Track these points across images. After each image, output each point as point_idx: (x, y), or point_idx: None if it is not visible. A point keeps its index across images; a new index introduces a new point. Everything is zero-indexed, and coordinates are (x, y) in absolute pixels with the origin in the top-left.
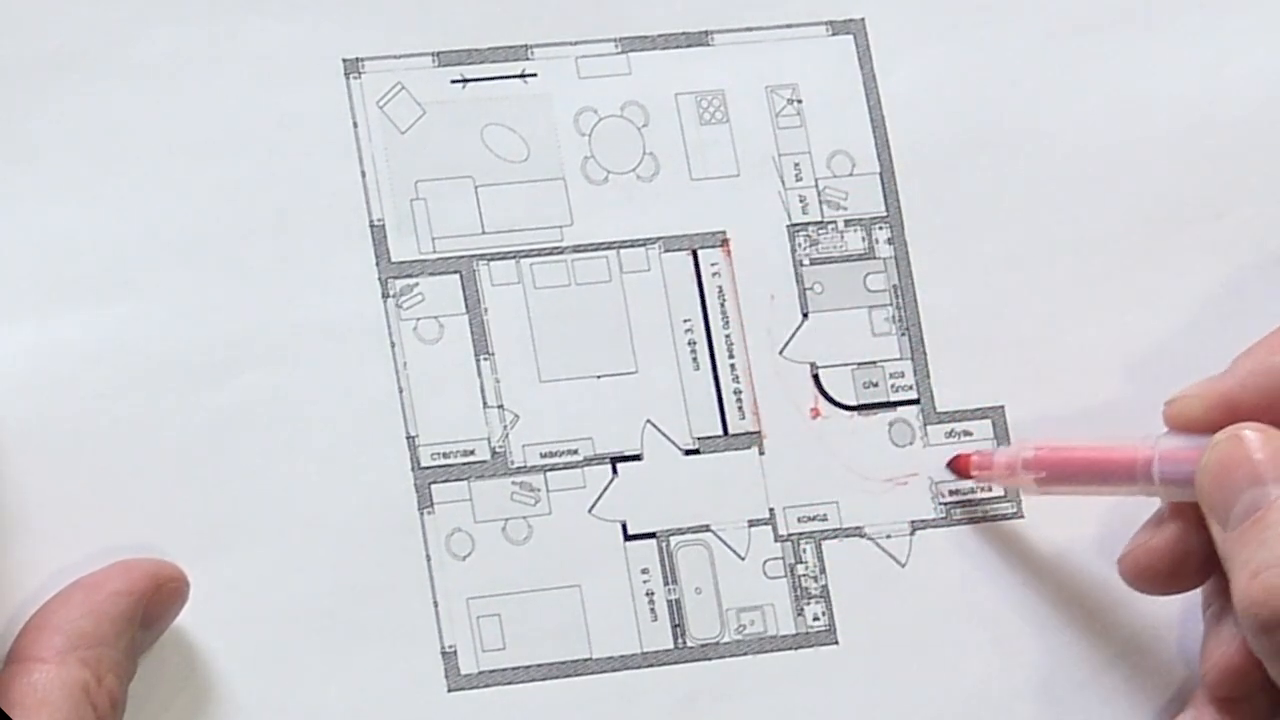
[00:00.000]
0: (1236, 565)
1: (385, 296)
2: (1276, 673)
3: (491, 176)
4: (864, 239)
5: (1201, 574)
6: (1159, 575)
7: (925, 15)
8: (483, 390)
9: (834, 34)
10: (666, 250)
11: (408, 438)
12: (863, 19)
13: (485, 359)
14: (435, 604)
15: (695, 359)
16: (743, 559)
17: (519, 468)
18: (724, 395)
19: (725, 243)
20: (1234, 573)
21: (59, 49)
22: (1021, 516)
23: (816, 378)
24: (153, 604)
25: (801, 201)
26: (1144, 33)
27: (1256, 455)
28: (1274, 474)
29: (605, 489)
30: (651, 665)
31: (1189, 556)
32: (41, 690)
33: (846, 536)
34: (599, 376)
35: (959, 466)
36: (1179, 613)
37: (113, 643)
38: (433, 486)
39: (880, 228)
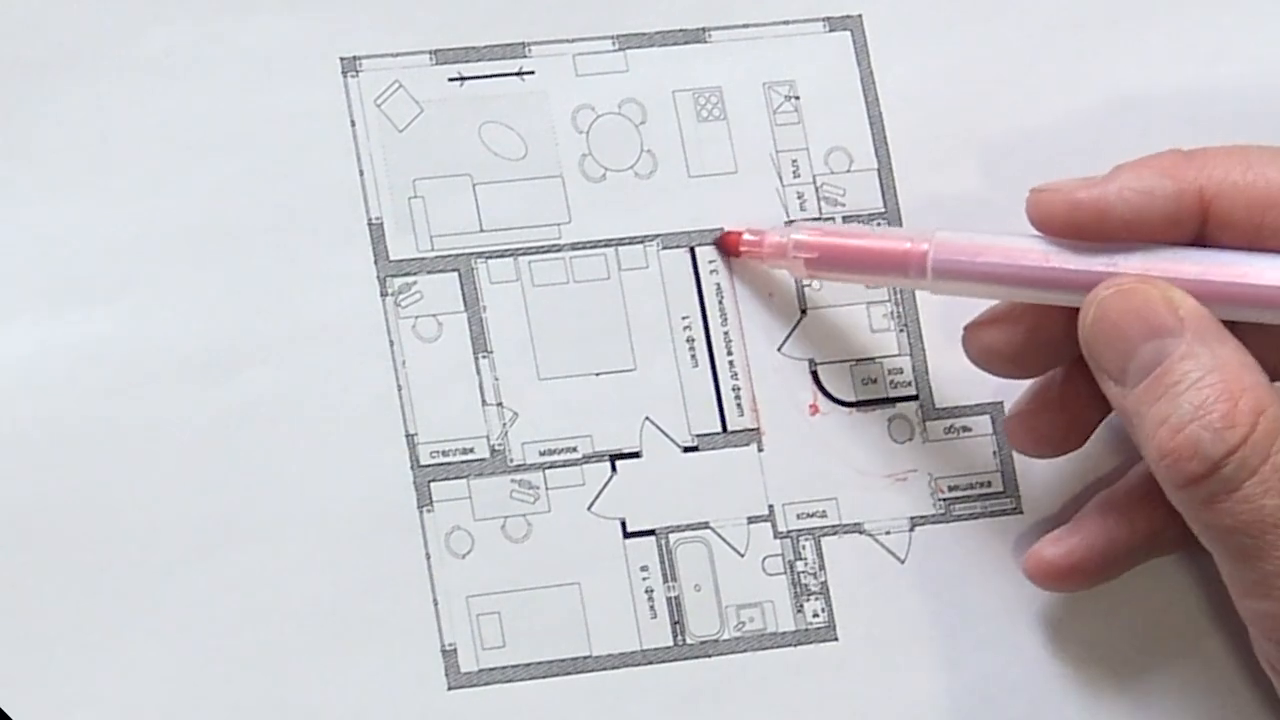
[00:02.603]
0: (1148, 421)
1: (384, 295)
2: (1196, 526)
3: (489, 174)
4: None
5: (1041, 364)
6: (1002, 361)
7: (922, 11)
8: (482, 388)
9: (831, 30)
10: (665, 247)
11: (407, 436)
12: (860, 15)
13: (484, 357)
14: (435, 602)
15: (694, 356)
16: (742, 556)
17: (518, 465)
18: (723, 392)
19: None
20: (1144, 429)
21: (57, 48)
22: (1020, 512)
23: (815, 374)
24: None
25: (799, 198)
26: (1140, 29)
27: (1155, 307)
28: (1170, 325)
29: (604, 486)
30: (651, 663)
31: (1032, 351)
32: None
33: (846, 533)
34: (598, 374)
35: (728, 244)
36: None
37: None
38: (432, 484)
39: (878, 224)
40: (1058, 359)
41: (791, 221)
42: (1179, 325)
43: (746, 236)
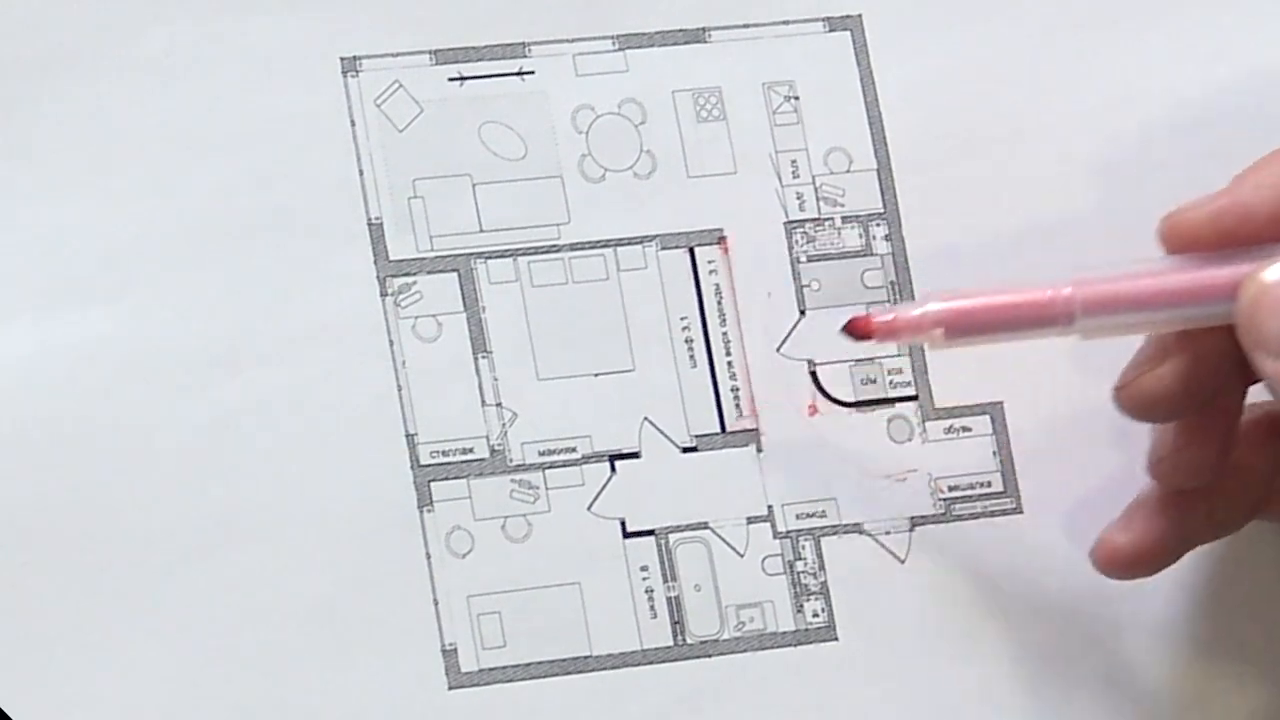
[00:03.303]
0: None
1: (383, 295)
2: None
3: (489, 174)
4: (861, 236)
5: (1203, 402)
6: (1161, 405)
7: (922, 11)
8: (481, 388)
9: (831, 30)
10: (664, 248)
11: (407, 436)
12: (860, 15)
13: (483, 357)
14: (435, 602)
15: (693, 356)
16: (742, 556)
17: (518, 465)
18: (721, 392)
19: (722, 240)
20: None
21: (57, 48)
22: (1021, 512)
23: (814, 375)
24: None
25: (799, 198)
26: (1141, 28)
27: None
28: None
29: (604, 487)
30: (651, 662)
31: (1192, 386)
32: None
33: (845, 533)
34: (597, 374)
35: (858, 329)
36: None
37: None
38: (432, 484)
39: (877, 224)
40: (1220, 386)
41: (920, 296)
42: None
43: (878, 320)
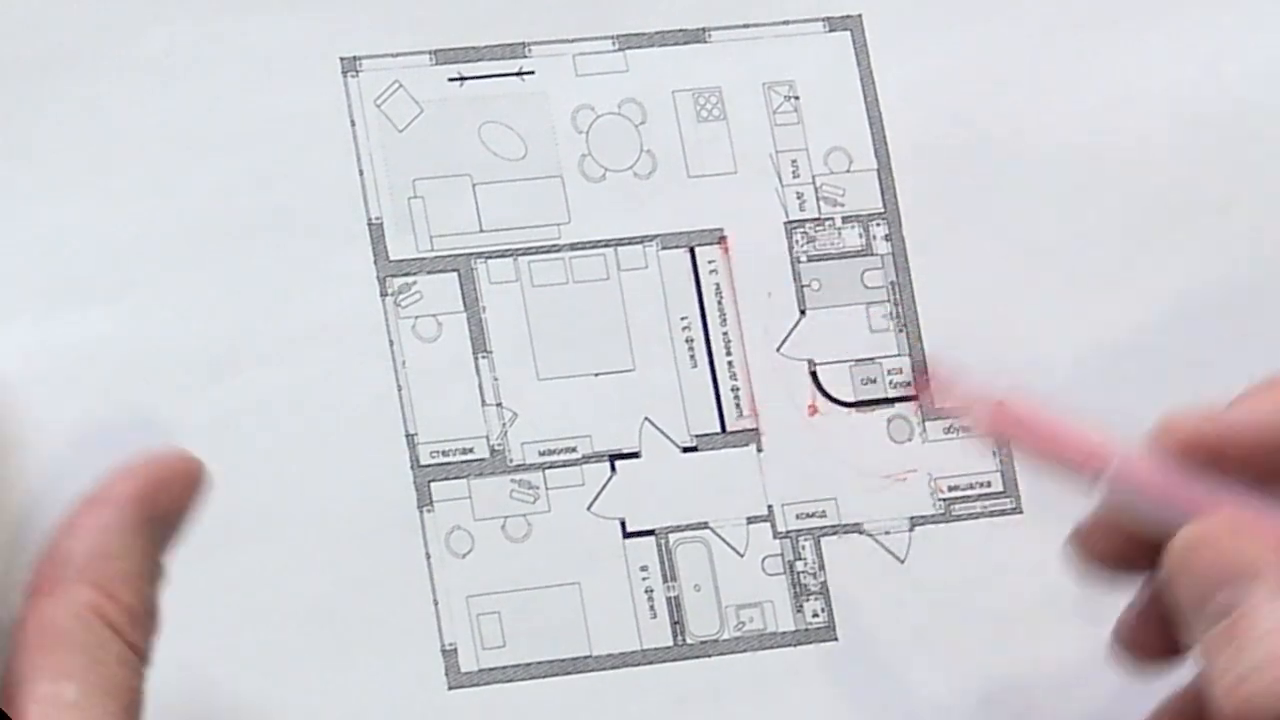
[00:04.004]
0: (1215, 668)
1: (383, 295)
2: None
3: (489, 174)
4: (861, 236)
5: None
6: (1157, 655)
7: (923, 11)
8: (481, 388)
9: (831, 30)
10: (664, 248)
11: (406, 436)
12: (860, 15)
13: (484, 357)
14: (435, 602)
15: (693, 356)
16: (741, 556)
17: (518, 465)
18: (722, 392)
19: (723, 240)
20: (1212, 674)
21: (56, 48)
22: (1021, 512)
23: (814, 374)
24: (161, 502)
25: (799, 198)
26: (1142, 27)
27: (1230, 548)
28: (1249, 570)
29: (604, 487)
30: (651, 662)
31: (1143, 554)
32: (50, 622)
33: (845, 533)
34: (597, 374)
35: (919, 383)
36: None
37: (122, 555)
38: (432, 484)
39: (878, 224)
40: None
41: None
42: (1260, 568)
43: (935, 384)
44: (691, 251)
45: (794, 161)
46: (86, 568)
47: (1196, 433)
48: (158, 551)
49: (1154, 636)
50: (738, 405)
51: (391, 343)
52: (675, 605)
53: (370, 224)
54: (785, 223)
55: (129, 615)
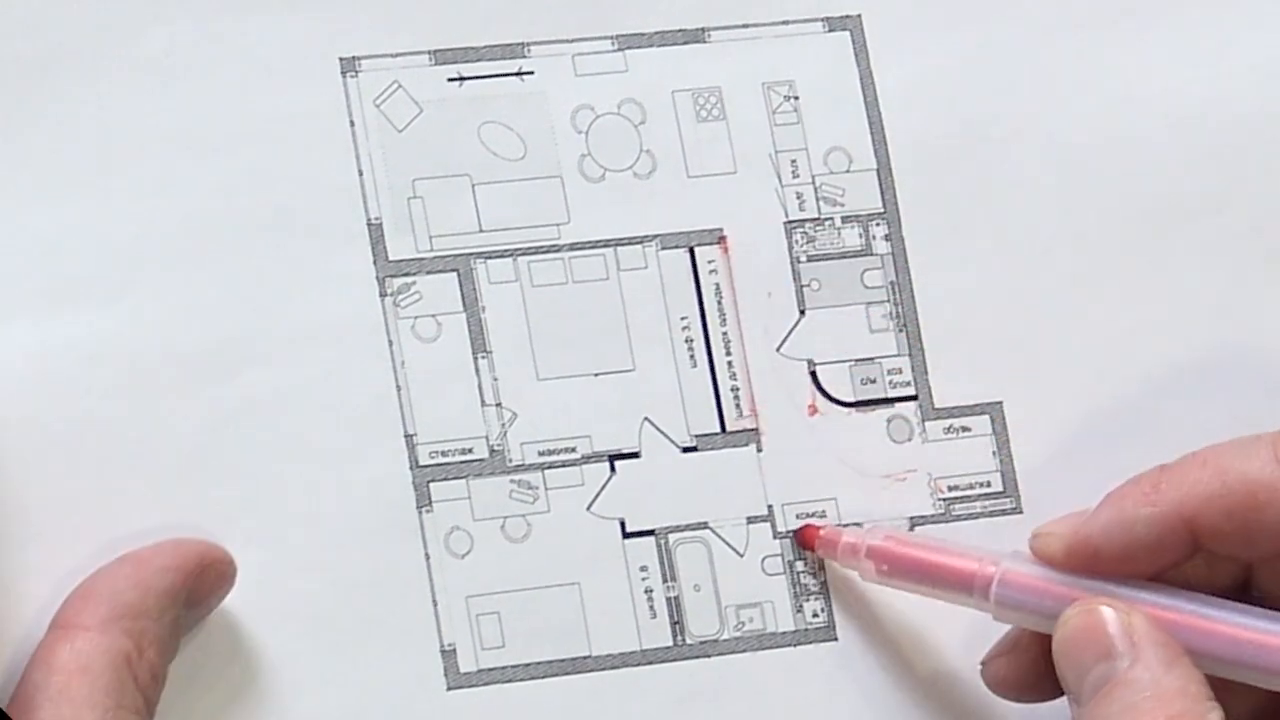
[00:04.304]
0: None
1: (383, 295)
2: None
3: (489, 175)
4: (861, 235)
5: (1059, 690)
6: (1019, 690)
7: (922, 11)
8: (481, 388)
9: (830, 30)
10: (664, 248)
11: (406, 436)
12: (859, 15)
13: (483, 357)
14: (434, 602)
15: (693, 356)
16: (741, 556)
17: (517, 466)
18: (721, 392)
19: (722, 240)
20: None
21: (56, 48)
22: (1020, 512)
23: (814, 374)
24: (199, 583)
25: (798, 198)
26: (1142, 27)
27: (1108, 630)
28: (1123, 648)
29: (603, 487)
30: (651, 663)
31: (1045, 677)
32: (84, 657)
33: None
34: (596, 374)
35: (804, 539)
36: None
37: (157, 616)
38: (431, 485)
39: (877, 224)
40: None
41: (868, 526)
42: (1129, 649)
43: (822, 533)
44: (691, 251)
45: (794, 161)
46: (126, 618)
47: (1066, 541)
48: (182, 628)
49: (1021, 677)
50: (737, 405)
51: (391, 343)
52: (675, 605)
53: (370, 224)
54: (785, 223)
55: (151, 673)
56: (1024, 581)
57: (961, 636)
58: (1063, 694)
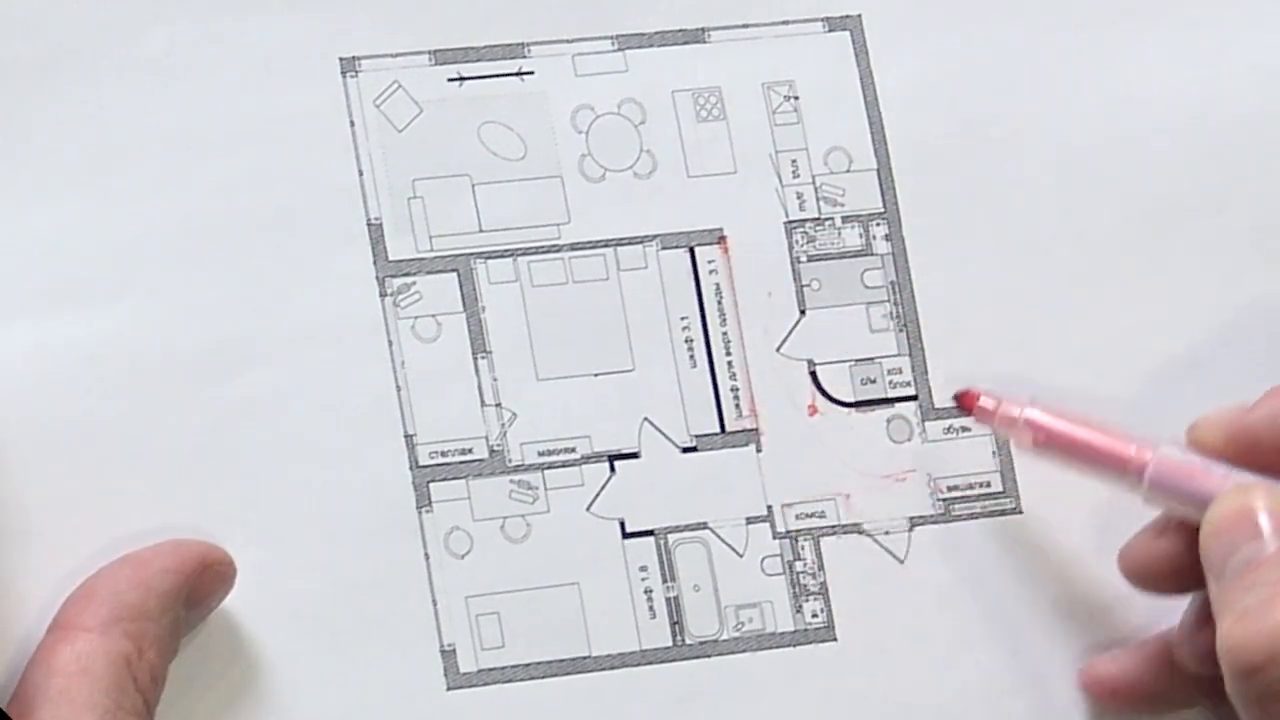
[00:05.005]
0: (1223, 612)
1: (383, 295)
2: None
3: (489, 175)
4: (861, 235)
5: (1193, 585)
6: (1156, 577)
7: (922, 11)
8: (480, 389)
9: (831, 30)
10: (664, 248)
11: (406, 436)
12: (859, 15)
13: (483, 357)
14: (434, 602)
15: (693, 356)
16: (741, 556)
17: (517, 466)
18: (721, 392)
19: (722, 240)
20: (1220, 619)
21: (56, 47)
22: (1020, 512)
23: (814, 374)
24: (199, 584)
25: (799, 198)
26: (1142, 27)
27: (1258, 512)
28: (1272, 532)
29: (603, 487)
30: (650, 663)
31: (1187, 568)
32: (84, 659)
33: (845, 533)
34: (596, 374)
35: (964, 402)
36: (1176, 609)
37: (157, 618)
38: (431, 485)
39: (877, 224)
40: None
41: (1029, 395)
42: (1278, 534)
43: (983, 401)
44: (691, 251)
45: (794, 161)
46: (126, 619)
47: (1226, 430)
48: (182, 629)
49: (1159, 564)
50: (737, 405)
51: (391, 343)
52: (675, 605)
53: (370, 224)
54: (785, 223)
55: (150, 675)
56: (1179, 466)
57: (961, 637)
58: (1195, 589)
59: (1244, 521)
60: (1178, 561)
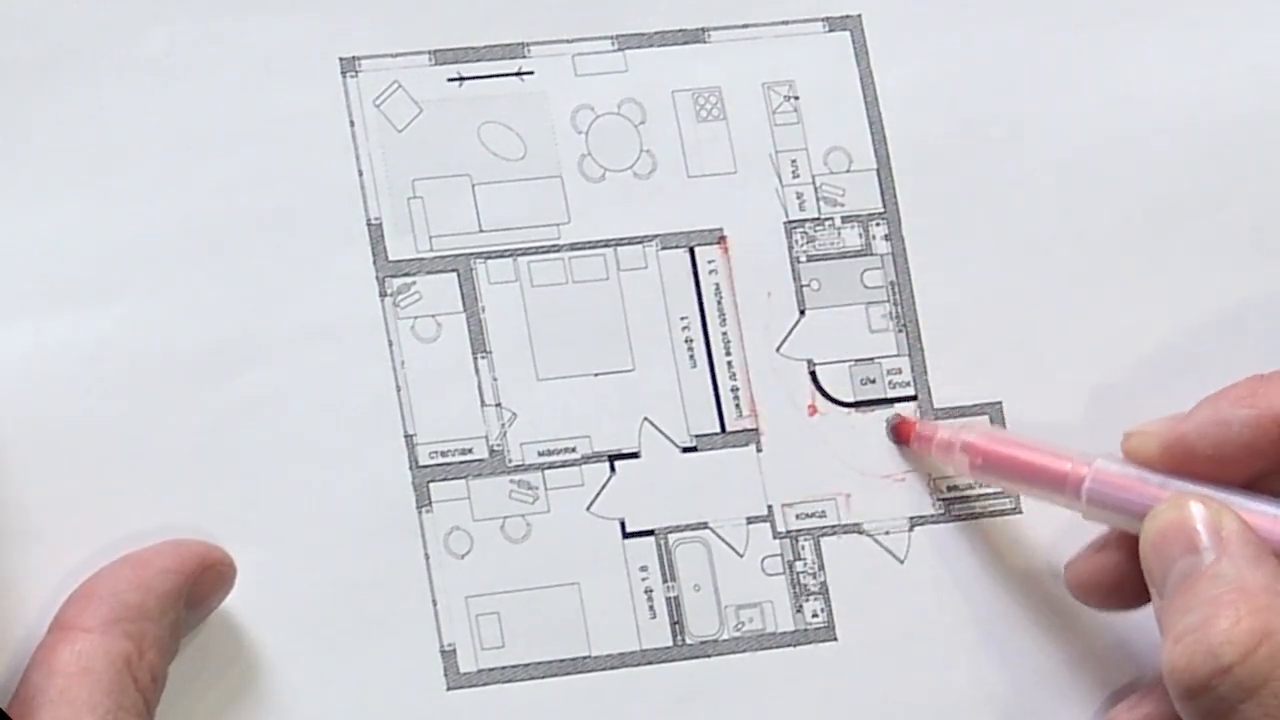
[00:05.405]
0: (1165, 630)
1: (383, 295)
2: None
3: (488, 175)
4: (861, 235)
5: (1141, 599)
6: (1102, 592)
7: (922, 11)
8: (480, 388)
9: (831, 30)
10: (664, 248)
11: (406, 436)
12: (859, 15)
13: (483, 357)
14: (434, 602)
15: (693, 356)
16: (741, 556)
17: (517, 466)
18: (721, 392)
19: (722, 240)
20: (1163, 637)
21: (56, 48)
22: (1020, 512)
23: (814, 374)
24: (199, 584)
25: (798, 198)
26: (1142, 27)
27: (1196, 525)
28: (1210, 542)
29: (603, 487)
30: (650, 663)
31: (1132, 581)
32: (85, 659)
33: (845, 533)
34: (596, 374)
35: (900, 432)
36: None
37: (157, 618)
38: (431, 485)
39: (877, 224)
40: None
41: (963, 421)
42: (1216, 544)
43: (918, 428)
44: (691, 251)
45: (794, 161)
46: (126, 620)
47: (1161, 440)
48: (182, 629)
49: (1105, 579)
50: (737, 405)
51: (390, 343)
52: (675, 605)
53: (369, 224)
54: (785, 223)
55: (150, 675)
56: (1116, 480)
57: (962, 637)
58: (1143, 603)
59: (1180, 533)
60: (1121, 576)
